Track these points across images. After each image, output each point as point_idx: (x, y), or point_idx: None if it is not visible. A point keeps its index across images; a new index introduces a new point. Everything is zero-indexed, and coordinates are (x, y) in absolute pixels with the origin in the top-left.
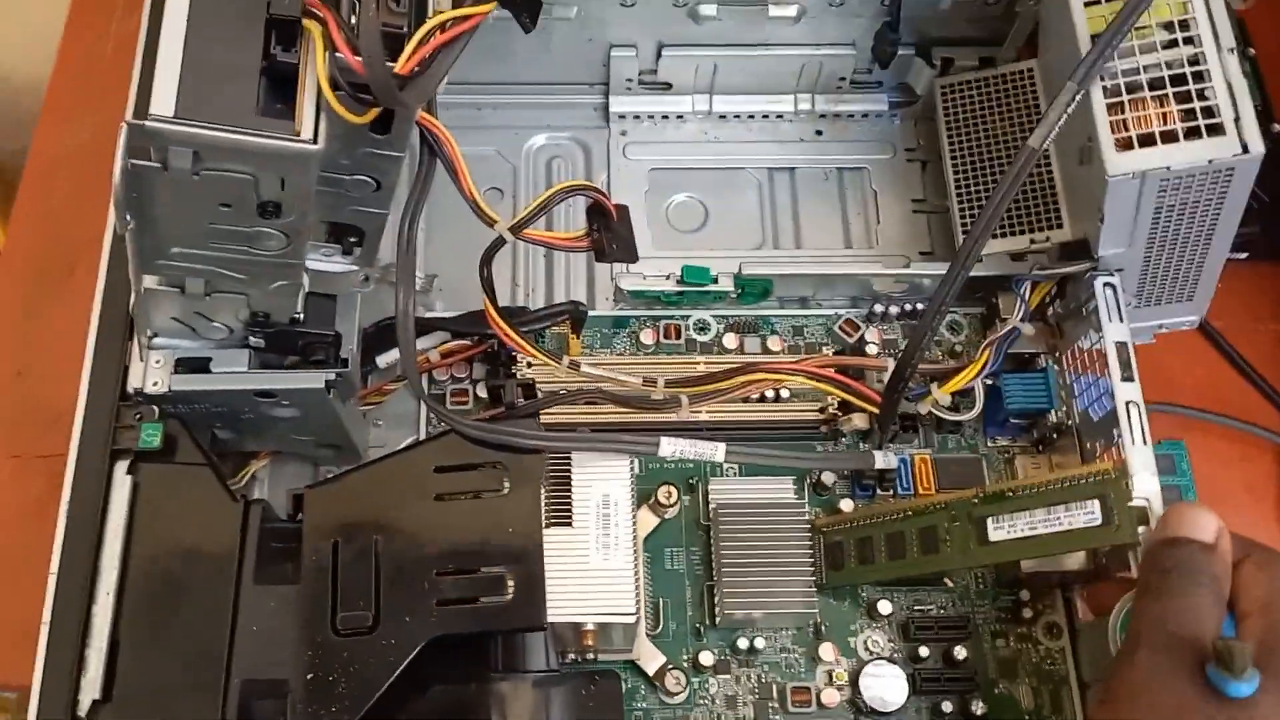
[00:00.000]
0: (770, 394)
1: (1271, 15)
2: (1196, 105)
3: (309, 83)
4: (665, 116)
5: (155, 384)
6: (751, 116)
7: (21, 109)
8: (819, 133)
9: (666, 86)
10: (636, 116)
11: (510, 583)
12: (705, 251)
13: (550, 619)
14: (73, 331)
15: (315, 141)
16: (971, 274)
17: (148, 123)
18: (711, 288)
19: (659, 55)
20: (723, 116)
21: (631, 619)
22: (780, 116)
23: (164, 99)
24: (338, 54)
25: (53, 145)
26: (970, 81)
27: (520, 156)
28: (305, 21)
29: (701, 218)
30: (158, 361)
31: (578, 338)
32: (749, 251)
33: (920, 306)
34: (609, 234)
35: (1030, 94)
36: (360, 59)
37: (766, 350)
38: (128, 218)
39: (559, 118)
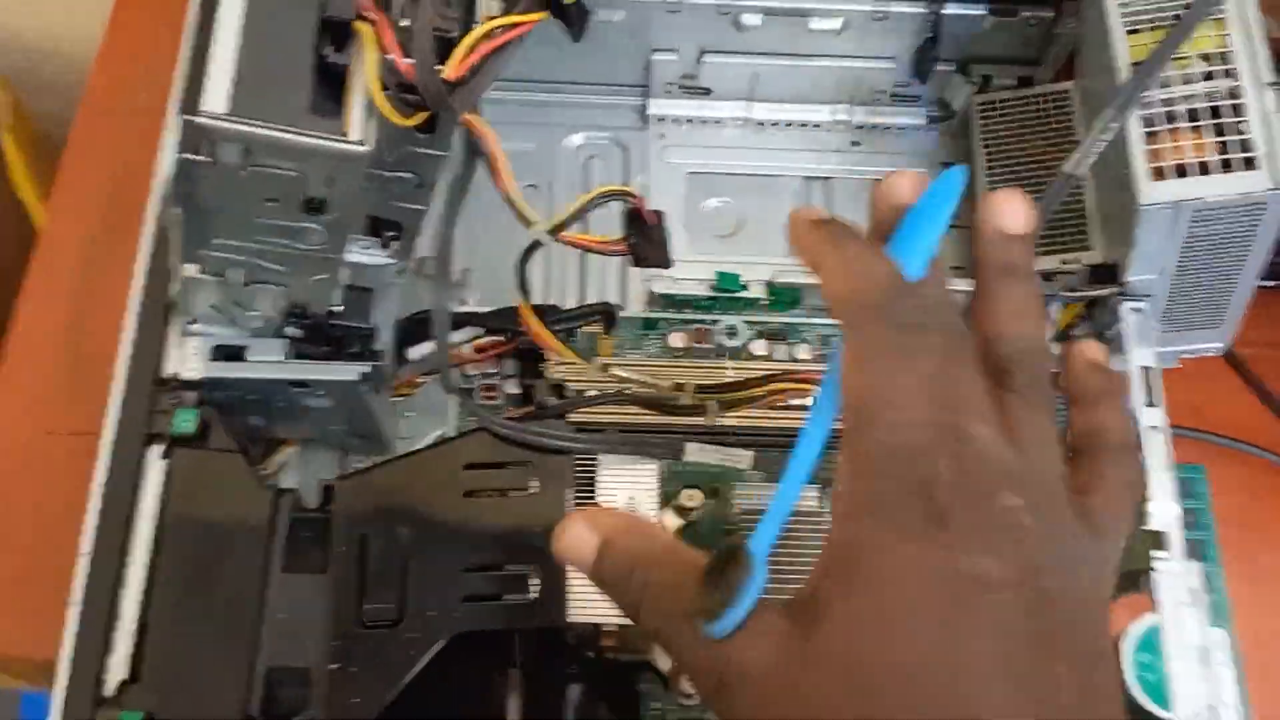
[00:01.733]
0: (796, 401)
1: None
2: (1232, 138)
3: (359, 84)
4: (704, 121)
5: (192, 370)
6: (790, 125)
7: (71, 80)
8: (856, 143)
9: (706, 91)
10: (675, 120)
11: (534, 581)
12: (739, 257)
13: (571, 619)
14: (115, 308)
15: (364, 143)
16: None
17: (202, 119)
18: (743, 294)
19: (700, 60)
20: (761, 123)
21: None
22: (818, 126)
23: (217, 95)
24: (388, 56)
25: (103, 113)
26: (1007, 99)
27: (558, 154)
28: (357, 24)
29: (736, 223)
30: (194, 348)
31: (608, 338)
32: (782, 259)
33: None
34: (645, 239)
35: (1067, 115)
36: (410, 62)
37: (794, 358)
38: (175, 209)
39: (599, 117)
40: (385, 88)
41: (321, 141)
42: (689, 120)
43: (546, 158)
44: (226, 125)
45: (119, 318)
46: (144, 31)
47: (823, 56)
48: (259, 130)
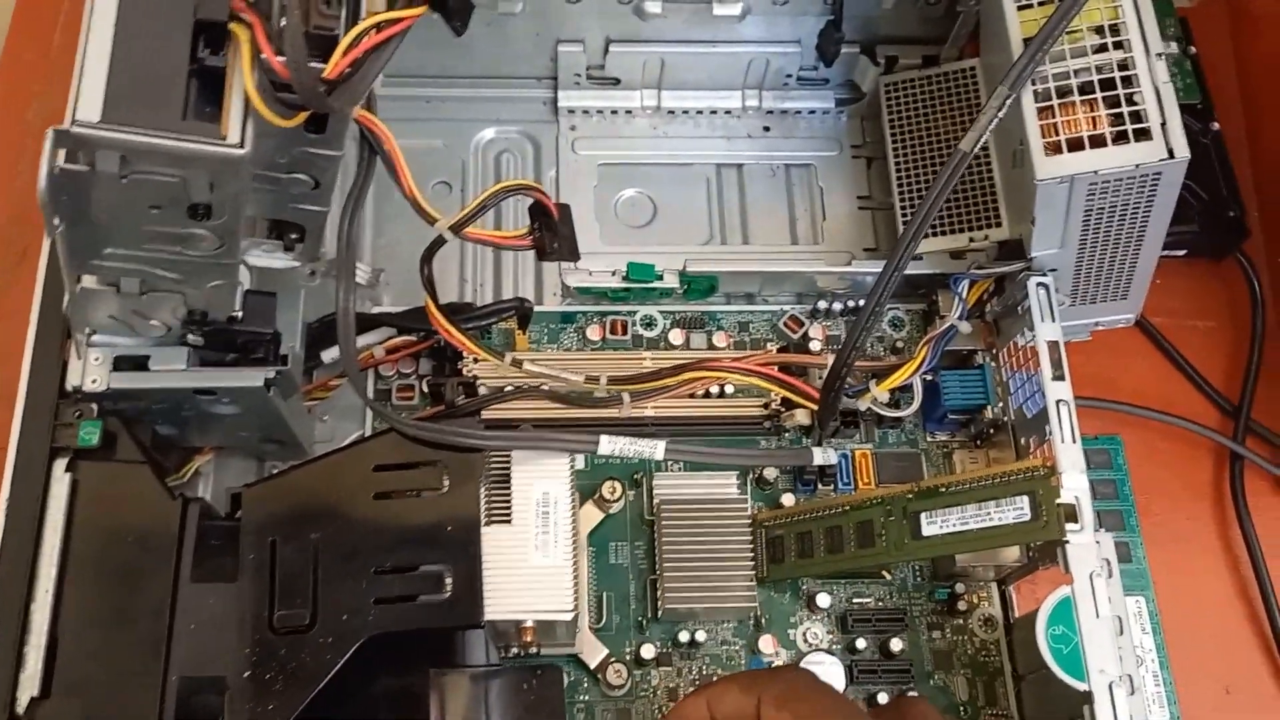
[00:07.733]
0: (714, 390)
1: (1214, 14)
2: (1125, 110)
3: (236, 86)
4: (614, 112)
5: (94, 381)
6: (700, 112)
7: None
8: (766, 129)
9: (615, 82)
10: (586, 111)
11: (448, 580)
12: (654, 247)
13: (489, 616)
14: (19, 320)
15: (242, 145)
16: (911, 272)
17: (73, 128)
18: (658, 284)
19: (607, 50)
20: (671, 112)
21: (568, 617)
22: (729, 113)
23: (90, 103)
24: (263, 56)
25: (12, 127)
26: (914, 79)
27: (469, 150)
28: (232, 25)
29: (650, 213)
30: (96, 359)
31: (524, 334)
32: (697, 247)
33: (863, 303)
34: (550, 233)
35: (973, 92)
36: (284, 61)
37: (712, 346)
38: (56, 220)
39: (508, 111)
40: (265, 89)
41: (198, 145)
42: (599, 111)
43: (457, 154)
44: (99, 133)
45: (23, 335)
46: (44, 38)
47: (728, 42)
48: (133, 137)
